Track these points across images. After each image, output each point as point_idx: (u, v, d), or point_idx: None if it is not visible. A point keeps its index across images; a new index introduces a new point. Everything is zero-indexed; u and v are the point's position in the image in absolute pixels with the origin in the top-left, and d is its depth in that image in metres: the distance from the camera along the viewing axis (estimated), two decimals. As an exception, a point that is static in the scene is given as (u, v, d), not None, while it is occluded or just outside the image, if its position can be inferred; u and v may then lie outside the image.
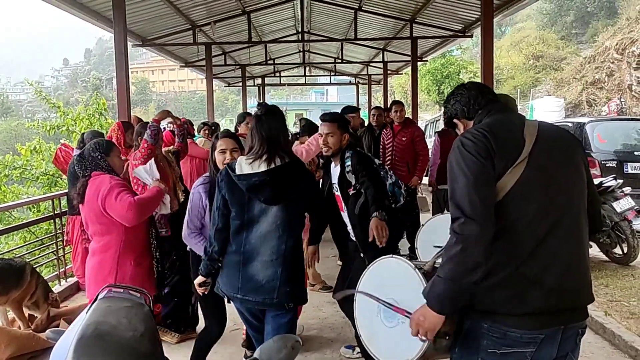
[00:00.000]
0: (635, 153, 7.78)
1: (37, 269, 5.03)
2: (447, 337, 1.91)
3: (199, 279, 2.94)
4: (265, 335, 2.90)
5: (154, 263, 3.32)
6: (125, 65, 6.74)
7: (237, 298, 2.81)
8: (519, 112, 2.51)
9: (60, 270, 6.00)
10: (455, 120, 2.12)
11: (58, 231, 6.11)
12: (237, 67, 17.86)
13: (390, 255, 2.23)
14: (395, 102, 7.23)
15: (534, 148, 1.84)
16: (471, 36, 11.65)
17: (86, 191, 3.21)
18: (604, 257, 6.52)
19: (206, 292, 2.98)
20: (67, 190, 6.03)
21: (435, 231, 3.06)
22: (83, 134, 6.24)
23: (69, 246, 6.10)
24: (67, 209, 6.06)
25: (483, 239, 1.75)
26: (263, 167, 2.69)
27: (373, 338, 2.14)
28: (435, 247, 3.00)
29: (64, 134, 11.73)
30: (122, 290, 2.29)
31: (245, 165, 2.72)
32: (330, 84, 32.04)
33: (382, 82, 18.86)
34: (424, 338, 1.85)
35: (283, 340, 1.52)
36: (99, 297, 2.12)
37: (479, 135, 1.85)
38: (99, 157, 3.28)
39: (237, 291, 2.78)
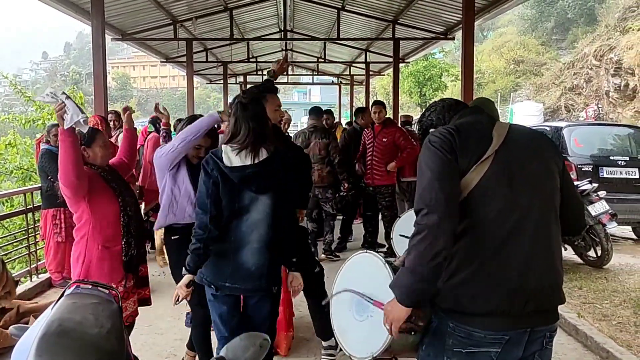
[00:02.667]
0: (611, 158, 7.89)
1: (9, 265, 4.93)
2: (413, 333, 1.93)
3: (187, 278, 2.81)
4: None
5: (124, 247, 3.27)
6: (102, 59, 6.63)
7: (225, 286, 2.82)
8: (499, 115, 2.53)
9: (32, 266, 5.88)
10: (431, 130, 2.10)
11: (30, 226, 5.99)
12: (219, 64, 17.72)
13: (365, 251, 2.29)
14: (375, 103, 7.23)
15: (502, 146, 1.85)
16: (453, 38, 11.71)
17: None
18: (578, 260, 6.61)
19: (188, 298, 2.91)
20: (39, 185, 5.93)
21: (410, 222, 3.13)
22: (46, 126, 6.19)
23: (43, 241, 5.99)
24: (40, 204, 5.95)
25: (444, 229, 1.76)
26: (250, 158, 2.73)
27: (344, 331, 2.22)
28: (400, 235, 3.08)
29: (40, 128, 11.51)
30: (90, 286, 2.24)
31: (232, 156, 2.73)
32: (313, 83, 31.98)
33: (364, 83, 18.88)
34: (388, 328, 1.88)
35: (250, 338, 1.49)
36: (66, 294, 2.07)
37: (444, 133, 1.88)
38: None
39: (226, 279, 2.80)
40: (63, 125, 2.93)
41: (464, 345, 1.83)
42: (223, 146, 2.81)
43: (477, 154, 1.83)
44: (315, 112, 6.84)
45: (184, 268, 2.83)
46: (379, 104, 7.12)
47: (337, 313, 2.28)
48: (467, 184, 1.81)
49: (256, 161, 2.72)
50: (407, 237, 2.83)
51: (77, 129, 3.01)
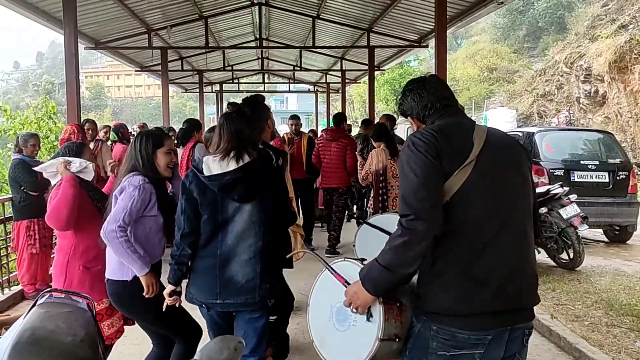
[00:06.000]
0: (582, 162, 8.05)
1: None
2: (397, 340, 1.93)
3: (170, 289, 2.77)
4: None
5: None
6: (75, 68, 6.55)
7: (216, 304, 2.73)
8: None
9: (4, 279, 5.76)
10: (408, 117, 2.15)
11: (2, 237, 5.87)
12: (195, 72, 17.65)
13: (343, 259, 2.23)
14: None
15: (482, 151, 1.88)
16: (426, 46, 11.87)
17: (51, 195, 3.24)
18: (552, 263, 6.72)
19: (177, 304, 2.83)
20: (10, 195, 5.82)
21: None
22: (17, 136, 6.08)
23: (15, 253, 5.87)
24: (12, 215, 5.84)
25: (429, 235, 1.80)
26: (232, 165, 2.66)
27: (325, 342, 2.15)
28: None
29: (12, 138, 11.30)
30: (63, 295, 2.22)
31: (213, 165, 2.68)
32: (290, 91, 32.00)
33: (340, 91, 18.98)
34: (354, 310, 1.95)
35: (225, 341, 1.48)
36: (38, 303, 2.05)
37: (428, 136, 1.88)
38: None
39: (216, 296, 2.71)
40: (65, 174, 3.20)
41: (447, 348, 1.85)
42: (204, 158, 2.75)
43: (460, 159, 1.85)
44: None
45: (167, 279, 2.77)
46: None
47: (316, 323, 2.21)
48: (450, 188, 1.83)
49: (237, 167, 2.65)
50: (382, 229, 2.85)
51: (81, 175, 3.29)
